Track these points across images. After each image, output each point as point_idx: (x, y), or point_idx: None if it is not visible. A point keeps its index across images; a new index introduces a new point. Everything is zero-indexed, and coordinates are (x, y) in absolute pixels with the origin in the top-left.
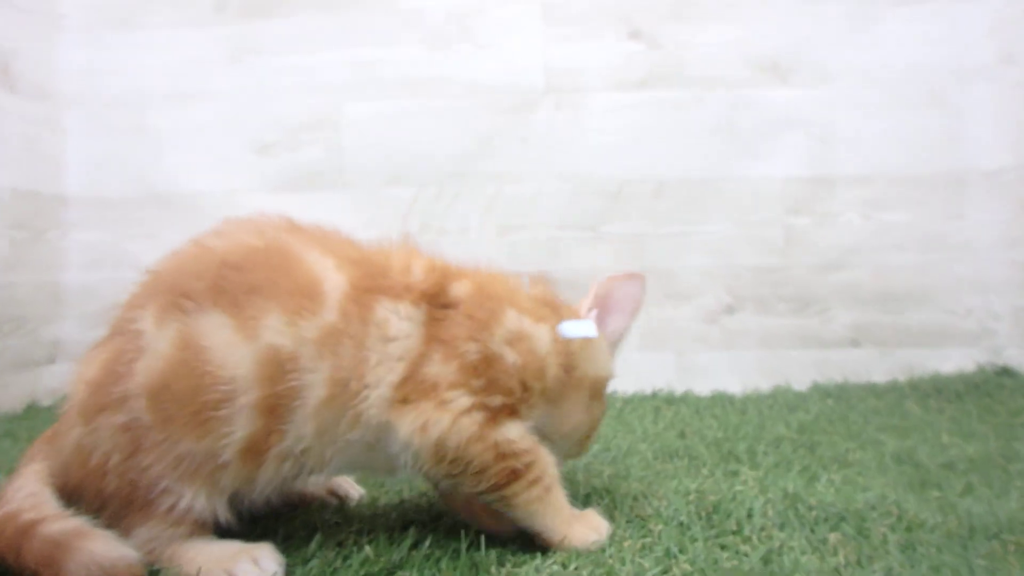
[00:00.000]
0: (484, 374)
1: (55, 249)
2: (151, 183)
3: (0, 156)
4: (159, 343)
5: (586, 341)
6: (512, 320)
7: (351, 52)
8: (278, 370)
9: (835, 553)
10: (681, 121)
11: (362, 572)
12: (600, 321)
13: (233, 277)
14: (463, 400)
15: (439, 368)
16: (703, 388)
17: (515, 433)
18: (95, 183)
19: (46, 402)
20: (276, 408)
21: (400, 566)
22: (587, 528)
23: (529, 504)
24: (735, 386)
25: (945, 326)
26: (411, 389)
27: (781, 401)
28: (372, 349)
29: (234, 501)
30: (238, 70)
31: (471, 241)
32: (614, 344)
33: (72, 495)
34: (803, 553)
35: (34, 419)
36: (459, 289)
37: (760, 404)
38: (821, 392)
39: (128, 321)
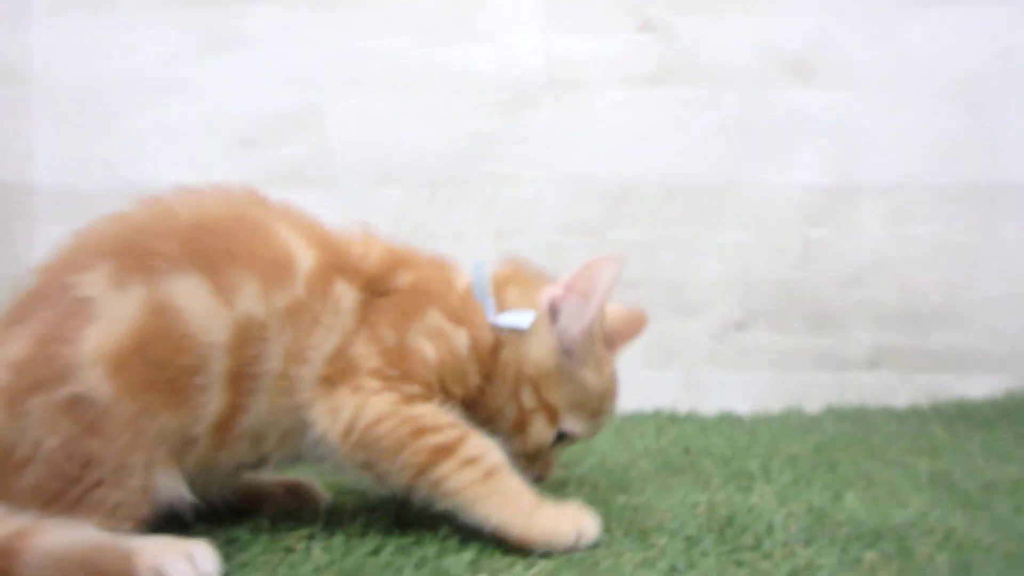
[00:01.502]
0: (399, 364)
1: (21, 242)
2: (124, 176)
3: None
4: (120, 306)
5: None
6: (433, 318)
7: (339, 43)
8: (248, 339)
9: (874, 572)
10: (693, 121)
11: None
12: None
13: (209, 241)
14: (374, 383)
15: (363, 350)
16: (709, 408)
17: (432, 409)
18: (65, 174)
19: None
20: (241, 379)
21: (355, 574)
22: (559, 521)
23: (466, 489)
24: (744, 407)
25: (973, 349)
26: (335, 368)
27: (794, 423)
28: (324, 325)
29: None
30: (219, 59)
31: (467, 247)
32: (574, 326)
33: None
34: (836, 572)
35: None
36: (401, 279)
37: (771, 425)
38: (836, 415)
39: (62, 288)
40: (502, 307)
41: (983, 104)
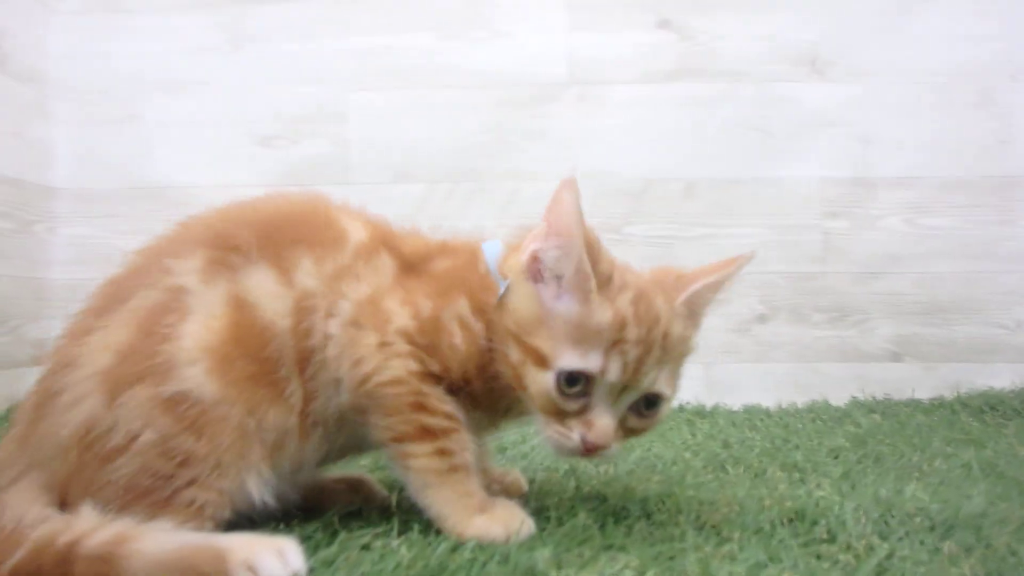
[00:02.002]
0: (430, 336)
1: (41, 243)
2: (143, 176)
3: None
4: (210, 302)
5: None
6: (463, 306)
7: (358, 39)
8: (302, 314)
9: (956, 563)
10: (712, 117)
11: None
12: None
13: (278, 228)
14: (402, 345)
15: (395, 307)
16: (733, 402)
17: (439, 393)
18: (83, 174)
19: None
20: (303, 363)
21: (440, 571)
22: (490, 526)
23: (426, 474)
24: (767, 401)
25: (993, 340)
26: (365, 312)
27: (823, 416)
28: (357, 276)
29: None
30: (237, 57)
31: None
32: (551, 261)
33: (62, 490)
34: (920, 563)
35: None
36: (438, 264)
37: (800, 418)
38: (863, 407)
39: (162, 273)
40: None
41: (997, 97)
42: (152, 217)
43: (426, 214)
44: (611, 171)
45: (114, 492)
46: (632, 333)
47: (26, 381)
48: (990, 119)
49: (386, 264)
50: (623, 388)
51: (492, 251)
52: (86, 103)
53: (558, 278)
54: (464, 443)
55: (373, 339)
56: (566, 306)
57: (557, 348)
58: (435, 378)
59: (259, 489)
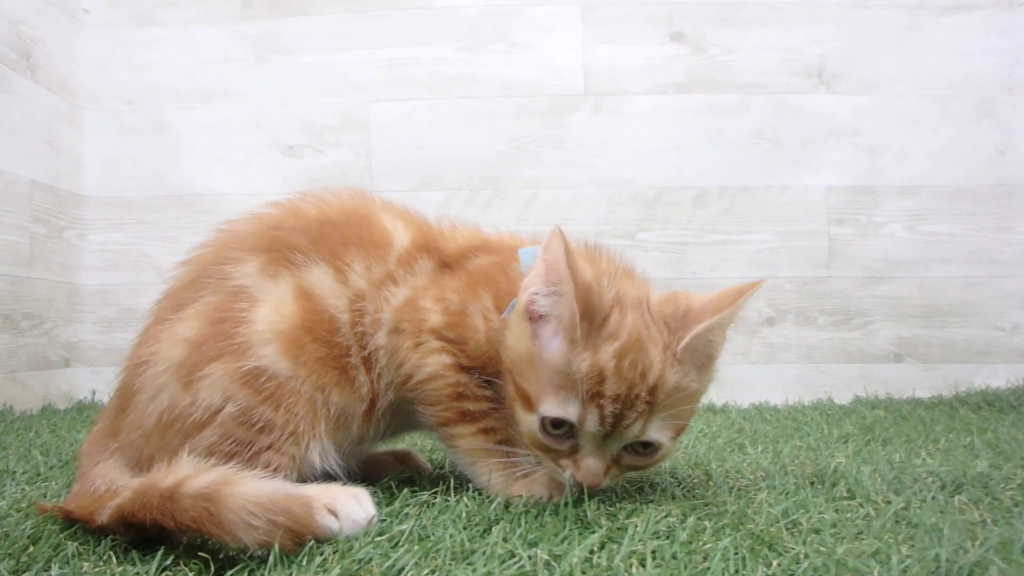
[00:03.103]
0: (458, 330)
1: (72, 249)
2: (170, 184)
3: (20, 145)
4: (278, 292)
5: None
6: (486, 301)
7: (381, 51)
8: (357, 314)
9: (965, 512)
10: (723, 127)
11: (462, 524)
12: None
13: (330, 232)
14: (434, 343)
15: (429, 304)
16: (742, 401)
17: (473, 380)
18: (112, 183)
19: (62, 405)
20: (369, 361)
21: (499, 520)
22: (533, 483)
23: (471, 452)
24: (774, 399)
25: (992, 342)
26: (404, 316)
27: (829, 411)
28: (399, 282)
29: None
30: (263, 69)
31: None
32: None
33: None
34: (934, 512)
35: (50, 420)
36: (474, 262)
37: (807, 413)
38: (867, 404)
39: (219, 278)
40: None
41: (998, 109)
42: (179, 224)
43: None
44: (626, 179)
45: (199, 458)
46: (610, 388)
47: (57, 383)
48: (990, 130)
49: (424, 266)
50: (606, 435)
51: (526, 259)
52: (116, 113)
53: (557, 317)
54: (505, 422)
55: (409, 341)
56: (557, 348)
57: (542, 393)
58: (466, 369)
59: (322, 457)
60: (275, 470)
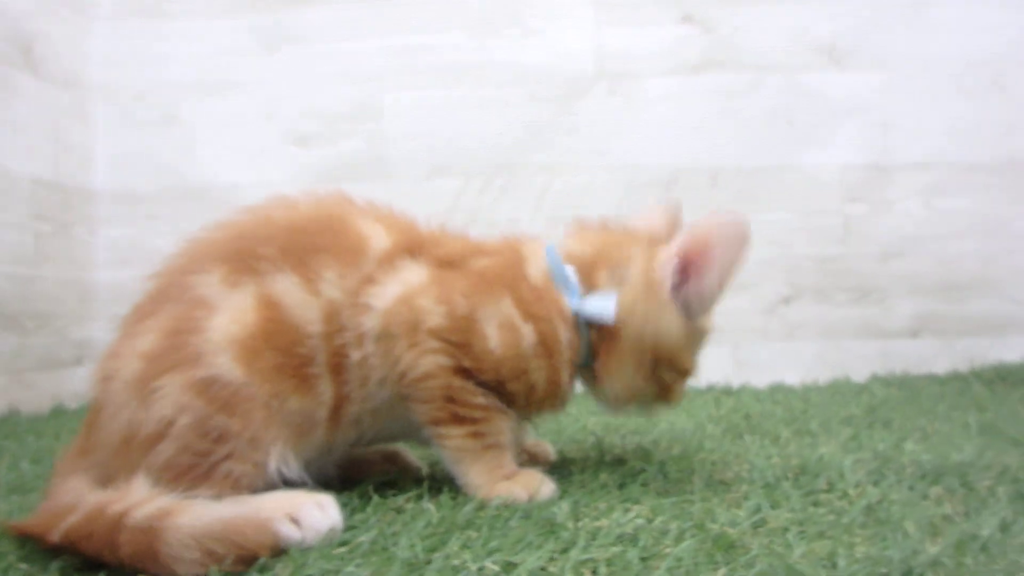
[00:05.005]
0: (463, 335)
1: (82, 245)
2: (183, 177)
3: (22, 143)
4: (237, 300)
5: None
6: (505, 307)
7: (392, 39)
8: (335, 325)
9: (939, 504)
10: (736, 108)
11: (426, 533)
12: (685, 275)
13: (299, 239)
14: (432, 343)
15: (428, 304)
16: (760, 381)
17: (471, 387)
18: (124, 177)
19: (73, 405)
20: (340, 369)
21: (466, 527)
22: (512, 488)
23: (460, 451)
24: (792, 378)
25: (1008, 315)
26: (394, 318)
27: (843, 390)
28: (380, 283)
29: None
30: (274, 59)
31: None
32: (703, 300)
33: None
34: (905, 505)
35: (60, 421)
36: (477, 263)
37: (821, 393)
38: (882, 382)
39: (181, 288)
40: (591, 290)
41: (1009, 84)
42: (192, 217)
43: (461, 208)
44: (640, 163)
45: (161, 473)
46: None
47: (69, 382)
48: (1001, 105)
49: (412, 266)
50: None
51: (552, 254)
52: (125, 106)
53: (694, 297)
54: (499, 427)
55: (404, 342)
56: (696, 326)
57: (695, 362)
58: (466, 373)
59: (283, 463)
60: (237, 479)
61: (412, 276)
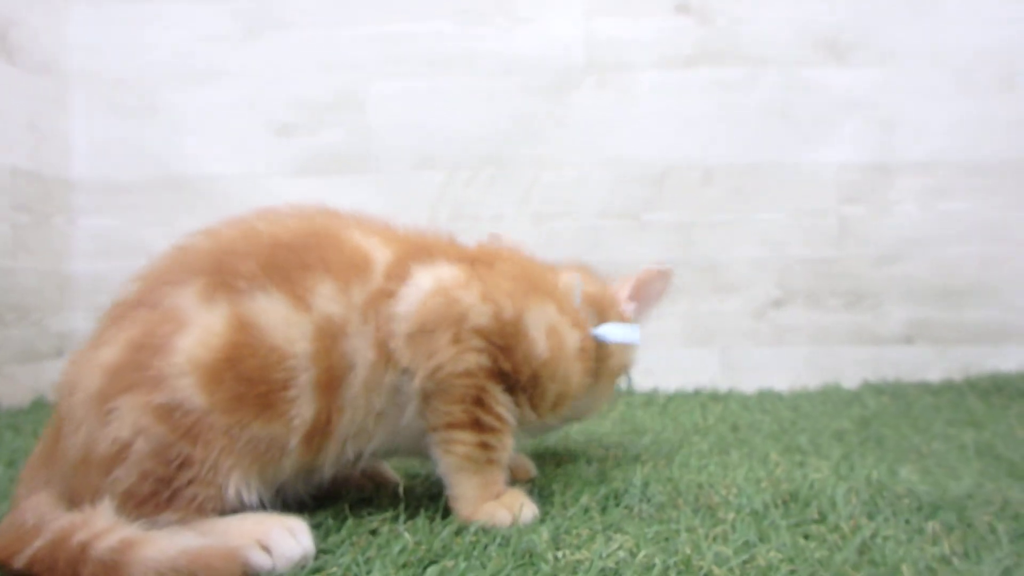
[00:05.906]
0: (508, 339)
1: (61, 236)
2: (164, 166)
3: None
4: (208, 319)
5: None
6: (551, 313)
7: (377, 27)
8: (331, 340)
9: (936, 543)
10: (731, 102)
11: (400, 561)
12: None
13: (285, 256)
14: (476, 342)
15: (473, 301)
16: (749, 386)
17: (500, 399)
18: (104, 166)
19: (53, 397)
20: (332, 384)
21: (443, 555)
22: (496, 510)
23: (464, 460)
24: (782, 384)
25: (1006, 323)
26: (434, 310)
27: (833, 398)
28: (400, 297)
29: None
30: (256, 46)
31: (506, 229)
32: None
33: (75, 502)
34: (901, 543)
35: (40, 414)
36: (506, 266)
37: (811, 401)
38: (874, 390)
39: (158, 296)
40: (602, 320)
41: (1017, 81)
42: (174, 207)
43: (447, 201)
44: (631, 157)
45: (121, 499)
46: None
47: (49, 374)
48: (1008, 103)
49: (439, 266)
50: None
51: (576, 284)
52: (105, 93)
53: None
54: (506, 444)
55: (447, 336)
56: None
57: None
58: (501, 376)
59: (247, 491)
60: (202, 503)
61: (443, 272)
